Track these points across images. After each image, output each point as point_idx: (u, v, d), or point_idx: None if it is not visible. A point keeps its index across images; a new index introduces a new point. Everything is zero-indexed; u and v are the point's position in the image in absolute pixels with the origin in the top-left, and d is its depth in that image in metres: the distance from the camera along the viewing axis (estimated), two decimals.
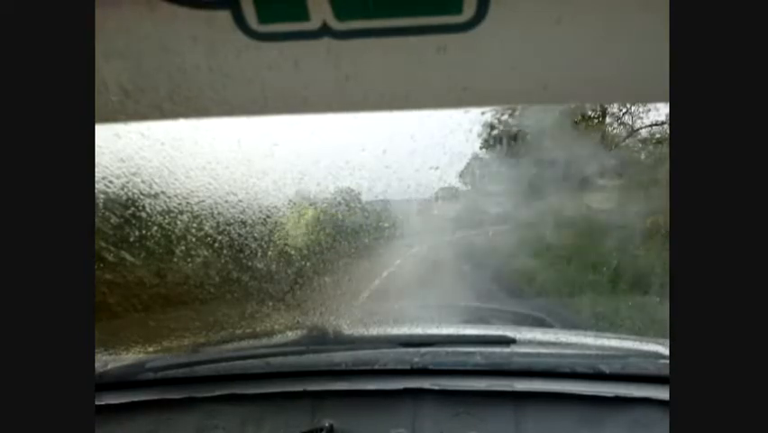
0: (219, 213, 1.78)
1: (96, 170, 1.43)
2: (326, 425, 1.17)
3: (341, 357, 1.32)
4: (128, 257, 1.62)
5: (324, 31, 0.63)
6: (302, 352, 1.38)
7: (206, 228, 1.76)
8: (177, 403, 1.25)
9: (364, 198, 2.24)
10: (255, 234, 1.81)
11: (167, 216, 1.67)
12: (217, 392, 1.25)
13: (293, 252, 1.90)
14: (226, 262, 1.85)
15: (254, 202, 1.81)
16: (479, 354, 1.31)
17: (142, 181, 1.55)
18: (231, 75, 0.68)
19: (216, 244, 1.80)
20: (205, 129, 1.64)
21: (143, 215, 1.60)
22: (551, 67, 0.67)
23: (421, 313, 2.81)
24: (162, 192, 1.62)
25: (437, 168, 2.39)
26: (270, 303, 1.97)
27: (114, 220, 1.55)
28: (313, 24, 0.62)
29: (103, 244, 1.56)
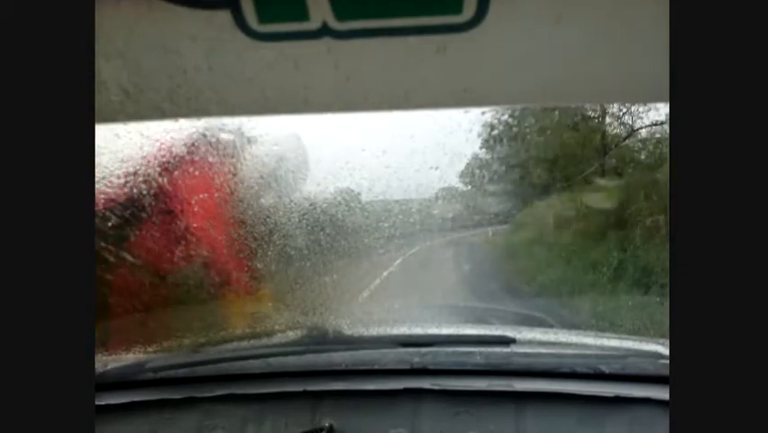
0: (219, 213, 1.79)
1: (96, 170, 1.43)
2: (326, 425, 1.17)
3: (341, 357, 1.32)
4: (128, 257, 1.62)
5: (324, 31, 0.63)
6: (302, 352, 1.38)
7: (206, 228, 1.76)
8: (177, 403, 1.25)
9: (364, 198, 2.24)
10: (255, 234, 1.81)
11: (167, 216, 1.67)
12: (217, 392, 1.25)
13: (293, 252, 1.90)
14: (226, 262, 1.85)
15: (254, 202, 1.81)
16: (479, 354, 1.31)
17: (143, 181, 1.55)
18: (231, 75, 0.68)
19: (216, 244, 1.80)
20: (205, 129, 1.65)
21: (143, 215, 1.61)
22: (551, 67, 0.67)
23: (421, 313, 2.81)
24: (162, 192, 1.62)
25: (437, 168, 2.39)
26: (270, 303, 1.97)
27: (114, 220, 1.55)
28: (313, 24, 0.62)
29: (103, 244, 1.56)
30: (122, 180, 1.51)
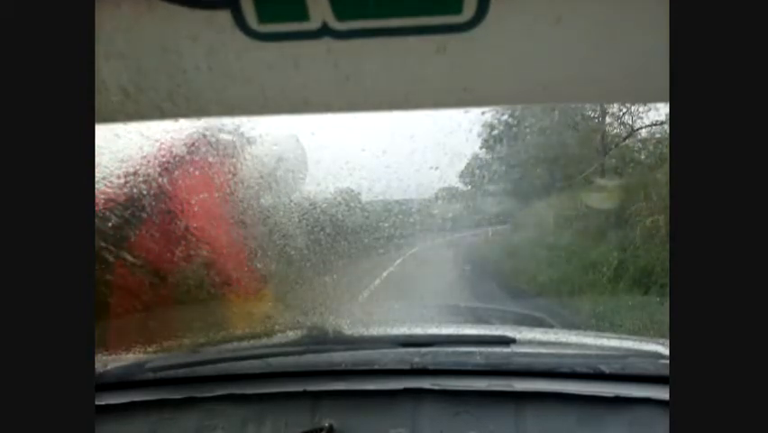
0: (219, 213, 1.79)
1: (96, 170, 1.43)
2: (326, 425, 1.17)
3: (341, 357, 1.32)
4: (128, 257, 1.62)
5: (324, 31, 0.63)
6: (302, 352, 1.38)
7: (206, 228, 1.76)
8: (177, 403, 1.25)
9: (364, 198, 2.24)
10: (255, 234, 1.81)
11: (167, 216, 1.67)
12: (217, 392, 1.25)
13: (293, 252, 1.90)
14: (226, 263, 1.85)
15: (254, 202, 1.81)
16: (479, 354, 1.31)
17: (143, 181, 1.56)
18: (231, 75, 0.68)
19: (216, 245, 1.80)
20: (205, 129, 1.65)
21: (143, 215, 1.61)
22: (551, 67, 0.67)
23: (421, 313, 2.81)
24: (162, 192, 1.62)
25: (437, 168, 2.39)
26: (270, 303, 1.97)
27: (114, 220, 1.55)
28: (313, 24, 0.62)
29: (103, 244, 1.56)
30: (122, 180, 1.51)
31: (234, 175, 1.73)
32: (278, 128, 1.88)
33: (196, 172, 1.67)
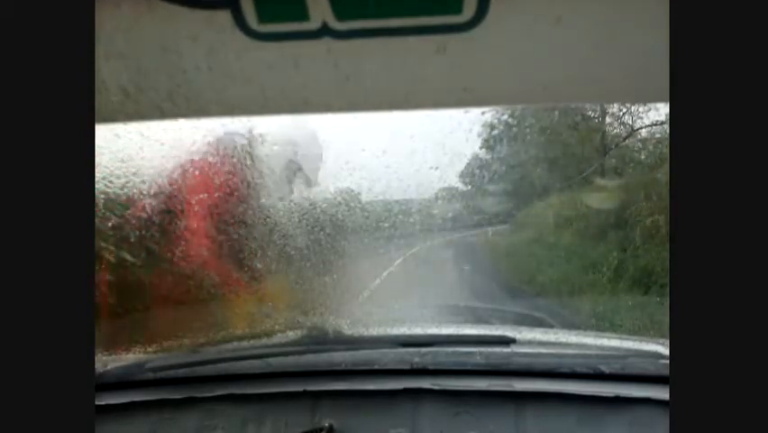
0: (219, 213, 1.79)
1: (96, 170, 1.43)
2: (326, 425, 1.17)
3: (341, 357, 1.32)
4: (128, 257, 1.62)
5: (324, 31, 0.63)
6: (302, 352, 1.38)
7: (206, 228, 1.76)
8: (177, 403, 1.25)
9: (364, 198, 2.24)
10: (255, 234, 1.81)
11: (167, 216, 1.67)
12: (217, 392, 1.25)
13: (293, 252, 1.90)
14: (227, 262, 1.85)
15: (254, 202, 1.81)
16: (479, 354, 1.31)
17: (142, 181, 1.56)
18: (231, 75, 0.68)
19: (216, 244, 1.80)
20: (205, 129, 1.65)
21: (143, 215, 1.61)
22: (551, 67, 0.67)
23: (421, 313, 2.82)
24: (162, 192, 1.62)
25: (437, 168, 2.39)
26: (270, 303, 1.97)
27: (114, 220, 1.55)
28: (313, 24, 0.63)
29: (103, 244, 1.56)
30: (122, 180, 1.51)
31: (235, 175, 1.73)
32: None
33: (201, 173, 1.68)
